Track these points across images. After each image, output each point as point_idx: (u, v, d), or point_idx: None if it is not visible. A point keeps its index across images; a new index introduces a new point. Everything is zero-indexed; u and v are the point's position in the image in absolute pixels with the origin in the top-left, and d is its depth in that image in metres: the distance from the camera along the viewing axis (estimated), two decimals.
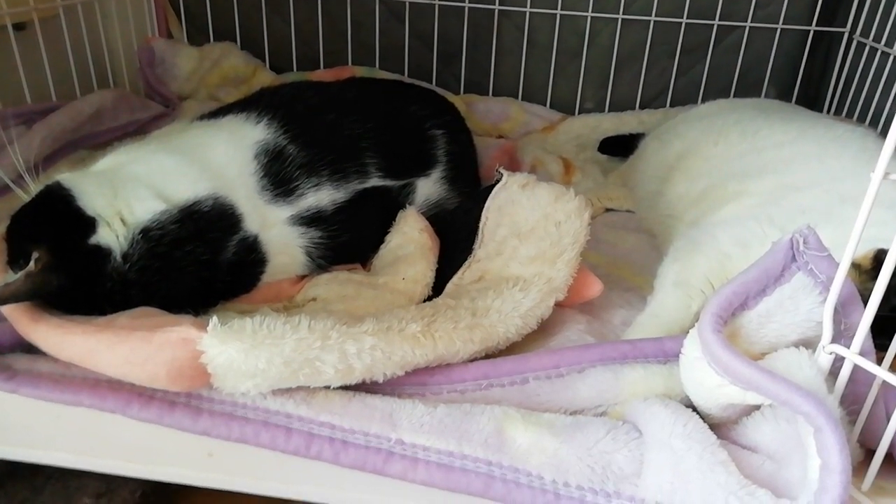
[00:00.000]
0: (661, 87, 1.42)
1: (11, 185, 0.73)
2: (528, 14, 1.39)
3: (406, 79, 1.43)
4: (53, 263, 0.62)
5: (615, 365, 0.62)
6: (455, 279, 0.76)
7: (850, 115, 1.26)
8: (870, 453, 0.53)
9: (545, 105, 1.45)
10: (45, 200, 0.68)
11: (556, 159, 1.22)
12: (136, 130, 1.16)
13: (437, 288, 0.77)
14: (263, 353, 0.55)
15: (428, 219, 0.85)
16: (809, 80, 1.39)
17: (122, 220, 0.66)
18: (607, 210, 1.11)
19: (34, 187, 0.70)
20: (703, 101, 1.25)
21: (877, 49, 1.19)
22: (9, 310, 0.61)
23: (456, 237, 0.82)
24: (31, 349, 0.62)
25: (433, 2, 1.40)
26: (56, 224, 0.65)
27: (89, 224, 0.65)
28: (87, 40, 1.22)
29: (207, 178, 0.73)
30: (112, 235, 0.65)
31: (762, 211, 0.75)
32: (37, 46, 1.10)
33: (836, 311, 0.51)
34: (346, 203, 0.81)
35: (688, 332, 0.57)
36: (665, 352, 0.63)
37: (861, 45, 1.25)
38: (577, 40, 1.40)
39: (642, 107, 1.43)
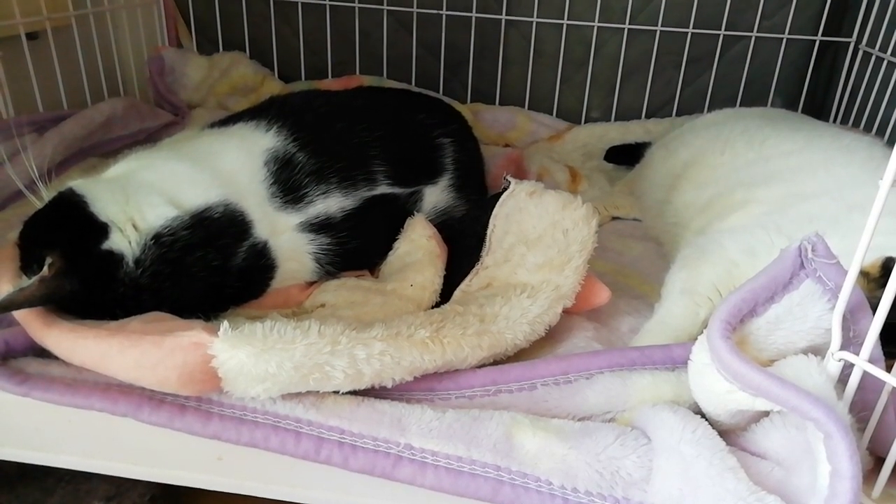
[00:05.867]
0: (668, 96, 1.43)
1: (25, 190, 0.74)
2: (534, 24, 1.40)
3: (414, 88, 1.44)
4: (66, 268, 0.62)
5: (623, 371, 0.62)
6: (463, 286, 0.77)
7: (856, 124, 1.26)
8: (879, 461, 0.53)
9: (552, 114, 1.46)
10: (58, 206, 0.68)
11: (562, 168, 1.23)
12: (146, 139, 1.17)
13: (445, 295, 0.78)
14: (274, 358, 0.56)
15: (436, 226, 0.86)
16: (815, 90, 1.40)
17: (135, 226, 0.66)
18: (614, 218, 1.12)
19: (47, 193, 0.71)
20: (710, 110, 1.25)
21: (883, 59, 1.19)
22: (22, 314, 0.62)
23: (464, 244, 0.82)
24: (43, 353, 0.62)
25: (440, 12, 1.41)
26: (69, 229, 0.66)
27: (102, 230, 0.65)
28: (99, 49, 1.23)
29: (218, 184, 0.73)
30: (124, 241, 0.65)
31: (770, 219, 0.76)
32: (49, 55, 1.12)
33: (844, 318, 0.51)
34: (355, 210, 0.81)
35: (696, 339, 0.57)
36: (673, 359, 0.63)
37: (867, 55, 1.25)
38: (583, 50, 1.41)
39: (648, 116, 1.44)
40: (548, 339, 0.71)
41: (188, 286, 0.67)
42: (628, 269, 0.94)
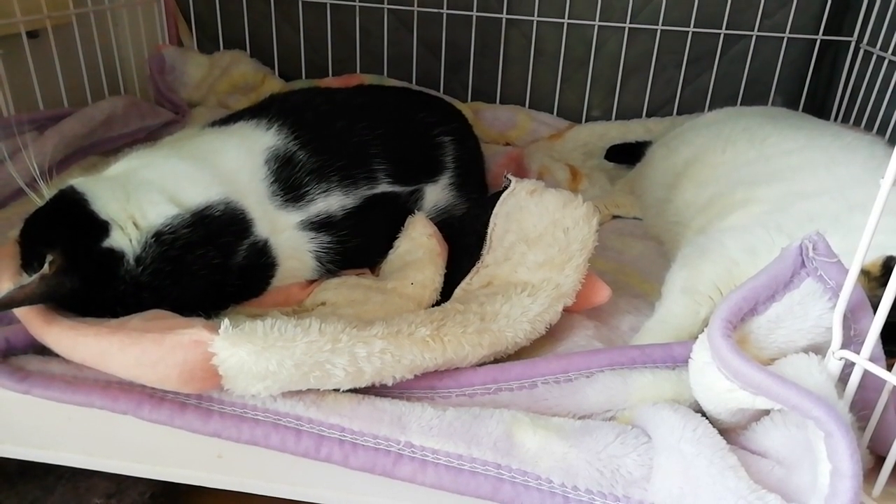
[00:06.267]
0: (668, 95, 1.43)
1: (26, 188, 0.74)
2: (535, 23, 1.40)
3: (414, 86, 1.44)
4: (67, 266, 0.62)
5: (624, 370, 0.62)
6: (463, 284, 0.77)
7: (856, 123, 1.26)
8: (879, 459, 0.53)
9: (552, 113, 1.46)
10: (58, 204, 0.68)
11: (563, 167, 1.23)
12: (147, 137, 1.17)
13: (446, 293, 0.78)
14: (274, 356, 0.56)
15: (436, 224, 0.86)
16: (816, 89, 1.40)
17: (135, 224, 0.66)
18: (614, 217, 1.12)
19: (47, 191, 0.71)
20: (710, 109, 1.25)
21: (884, 58, 1.19)
22: (22, 312, 0.62)
23: (464, 243, 0.82)
24: (43, 351, 0.63)
25: (441, 10, 1.41)
26: (70, 227, 0.66)
27: (102, 228, 0.65)
28: (99, 48, 1.23)
29: (219, 183, 0.73)
30: (125, 239, 0.65)
31: (770, 218, 0.75)
32: (49, 54, 1.12)
33: (845, 317, 0.51)
34: (356, 209, 0.81)
35: (696, 337, 0.57)
36: (674, 357, 0.63)
37: (868, 54, 1.25)
38: (584, 49, 1.41)
39: (649, 115, 1.44)
40: (548, 338, 0.71)
41: (189, 284, 0.67)
42: (629, 267, 0.94)
